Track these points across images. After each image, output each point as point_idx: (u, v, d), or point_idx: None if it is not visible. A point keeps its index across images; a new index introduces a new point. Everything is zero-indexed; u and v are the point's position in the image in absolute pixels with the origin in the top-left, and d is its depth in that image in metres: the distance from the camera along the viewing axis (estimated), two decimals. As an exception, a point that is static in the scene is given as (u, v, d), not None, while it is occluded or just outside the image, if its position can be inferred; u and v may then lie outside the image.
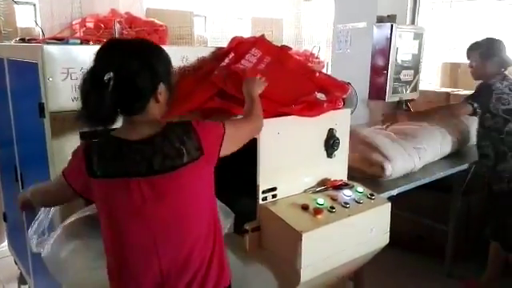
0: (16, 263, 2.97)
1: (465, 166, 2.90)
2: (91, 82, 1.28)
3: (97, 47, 1.38)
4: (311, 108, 1.90)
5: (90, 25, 2.55)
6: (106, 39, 2.35)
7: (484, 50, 2.76)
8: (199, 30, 4.89)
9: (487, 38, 2.83)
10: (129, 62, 1.28)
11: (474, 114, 2.73)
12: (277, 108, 1.82)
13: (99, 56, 1.32)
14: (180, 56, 1.98)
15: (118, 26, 2.14)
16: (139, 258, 1.34)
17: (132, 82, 1.28)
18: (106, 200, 1.33)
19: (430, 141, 2.78)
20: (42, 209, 1.72)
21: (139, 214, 1.31)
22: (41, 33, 2.43)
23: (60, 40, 1.97)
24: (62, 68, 1.68)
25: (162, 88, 1.34)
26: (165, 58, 1.39)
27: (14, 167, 2.43)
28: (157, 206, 1.31)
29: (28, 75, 1.83)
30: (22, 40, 2.28)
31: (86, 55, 1.73)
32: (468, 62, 2.87)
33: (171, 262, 1.34)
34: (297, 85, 1.96)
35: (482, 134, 2.80)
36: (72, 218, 1.61)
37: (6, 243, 3.23)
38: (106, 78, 1.24)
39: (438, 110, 2.96)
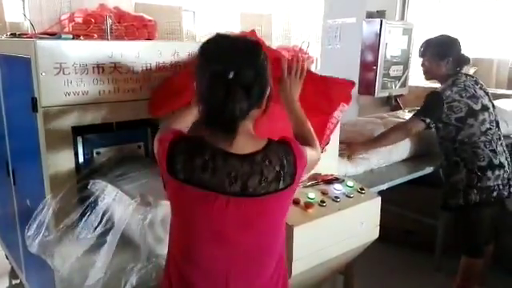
0: (7, 258, 2.97)
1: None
2: (216, 81, 1.14)
3: (89, 42, 1.37)
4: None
5: (79, 19, 2.54)
6: (95, 34, 2.36)
7: (437, 50, 2.62)
8: (188, 25, 4.87)
9: (441, 36, 2.69)
10: (247, 62, 1.16)
11: (428, 128, 2.57)
12: None
13: (217, 55, 1.18)
14: (171, 51, 1.99)
15: (109, 20, 2.13)
16: (205, 282, 1.22)
17: (249, 83, 1.15)
18: (182, 207, 1.21)
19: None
20: (40, 207, 1.71)
21: (218, 236, 1.19)
22: (30, 27, 2.41)
23: (52, 35, 1.97)
24: (55, 63, 1.69)
25: (267, 97, 1.22)
26: (267, 64, 1.23)
27: (5, 163, 2.43)
28: (240, 232, 1.19)
29: (20, 70, 1.83)
30: (13, 35, 2.27)
31: (78, 50, 1.74)
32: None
33: None
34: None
35: (438, 143, 2.67)
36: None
37: (-4, 238, 3.22)
38: (230, 76, 1.11)
39: (389, 133, 2.68)
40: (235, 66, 1.13)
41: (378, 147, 2.66)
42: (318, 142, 1.47)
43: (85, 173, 1.84)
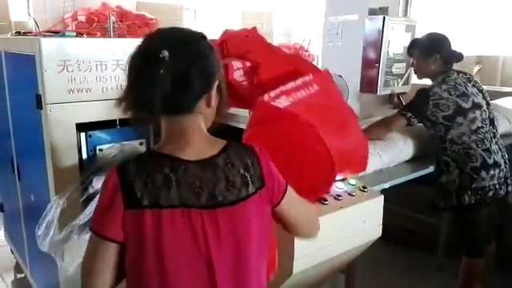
0: (12, 252, 3.01)
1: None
2: (144, 57, 1.04)
3: (92, 40, 1.38)
4: None
5: (82, 18, 2.56)
6: (98, 32, 2.38)
7: (424, 48, 2.59)
8: (189, 24, 4.90)
9: (428, 34, 2.66)
10: (186, 47, 1.06)
11: (409, 124, 2.50)
12: None
13: (153, 37, 1.09)
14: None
15: (112, 18, 2.15)
16: None
17: (186, 69, 1.02)
18: (149, 237, 1.01)
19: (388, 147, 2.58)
20: (48, 206, 1.72)
21: (199, 259, 1.04)
22: (35, 26, 2.44)
23: (56, 33, 1.99)
24: (59, 60, 1.71)
25: (214, 90, 1.10)
26: (219, 60, 1.13)
27: (10, 159, 2.45)
28: (220, 248, 1.05)
29: (25, 67, 1.86)
30: (18, 33, 2.30)
31: (81, 48, 1.77)
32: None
33: None
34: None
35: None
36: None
37: (2, 233, 3.25)
38: (161, 55, 0.99)
39: (370, 128, 2.61)
40: (170, 47, 1.01)
41: None
42: (315, 226, 1.41)
43: (89, 170, 1.86)
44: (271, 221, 1.20)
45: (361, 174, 2.34)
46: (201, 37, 1.11)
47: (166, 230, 1.01)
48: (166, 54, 0.99)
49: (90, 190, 1.74)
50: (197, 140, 1.08)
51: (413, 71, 2.74)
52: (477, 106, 2.45)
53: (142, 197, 1.00)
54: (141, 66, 1.04)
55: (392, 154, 2.59)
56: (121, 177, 1.02)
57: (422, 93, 2.50)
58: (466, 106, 2.42)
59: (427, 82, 2.79)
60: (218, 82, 1.11)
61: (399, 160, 2.65)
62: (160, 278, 1.03)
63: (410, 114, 2.49)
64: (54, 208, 1.72)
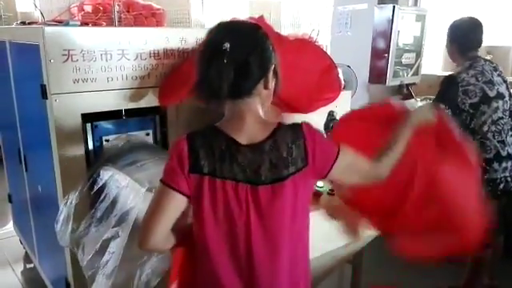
0: (21, 243, 3.03)
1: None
2: (209, 50, 1.18)
3: (96, 29, 1.37)
4: (310, 106, 1.90)
5: (88, 8, 2.54)
6: (104, 23, 2.37)
7: (453, 32, 2.53)
8: (197, 14, 4.87)
9: (461, 18, 2.57)
10: (244, 37, 1.19)
11: None
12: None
13: (215, 30, 1.21)
14: (178, 38, 1.98)
15: (117, 7, 2.13)
16: (223, 272, 1.20)
17: (246, 57, 1.15)
18: (205, 200, 1.17)
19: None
20: (63, 203, 1.73)
21: (241, 224, 1.18)
22: (41, 16, 2.43)
23: (60, 22, 1.98)
24: (63, 50, 1.70)
25: (271, 74, 1.22)
26: (273, 46, 1.24)
27: (17, 150, 2.46)
28: (260, 220, 1.18)
29: (30, 57, 1.85)
30: (23, 23, 2.29)
31: (86, 37, 1.75)
32: None
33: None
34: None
35: None
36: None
37: (11, 223, 3.28)
38: (223, 47, 1.13)
39: None
40: (231, 39, 1.14)
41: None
42: (385, 167, 1.37)
43: (97, 162, 1.87)
44: (311, 196, 1.30)
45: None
46: (257, 27, 1.24)
47: (219, 196, 1.16)
48: (227, 45, 1.13)
49: (100, 183, 1.73)
50: (252, 123, 1.21)
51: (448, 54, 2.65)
52: (500, 95, 2.42)
53: (204, 164, 1.16)
54: (208, 58, 1.17)
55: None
56: (190, 143, 1.17)
57: (450, 81, 2.45)
58: (491, 94, 2.39)
59: (436, 72, 2.76)
60: (273, 66, 1.22)
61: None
62: (211, 235, 1.18)
63: (442, 106, 2.43)
64: (69, 203, 1.72)
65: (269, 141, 1.20)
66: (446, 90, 2.48)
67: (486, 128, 2.38)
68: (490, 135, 2.38)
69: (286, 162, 1.19)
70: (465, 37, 2.50)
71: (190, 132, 1.21)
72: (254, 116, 1.22)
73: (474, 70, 2.40)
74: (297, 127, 1.24)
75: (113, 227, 1.61)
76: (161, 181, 1.20)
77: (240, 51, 1.15)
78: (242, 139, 1.19)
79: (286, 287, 1.25)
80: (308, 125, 1.26)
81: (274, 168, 1.18)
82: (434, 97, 3.68)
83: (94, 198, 1.71)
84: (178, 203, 1.19)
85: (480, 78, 2.38)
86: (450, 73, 2.59)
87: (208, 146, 1.17)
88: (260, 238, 1.19)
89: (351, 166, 1.31)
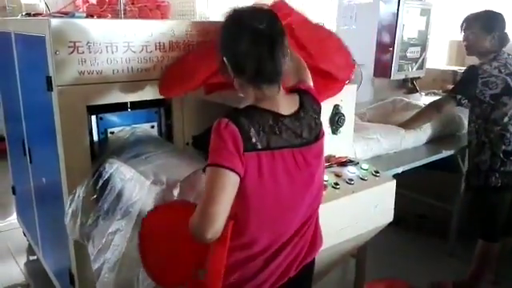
0: (25, 235, 3.04)
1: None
2: (258, 35, 1.23)
3: (102, 21, 1.36)
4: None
5: (93, 0, 2.53)
6: (109, 15, 2.36)
7: (485, 24, 2.49)
8: (201, 7, 4.84)
9: (487, 11, 2.56)
10: (275, 18, 1.29)
11: (460, 105, 2.53)
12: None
13: (247, 15, 1.28)
14: (184, 30, 1.97)
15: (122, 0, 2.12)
16: (283, 214, 1.35)
17: (283, 38, 1.28)
18: (265, 173, 1.25)
19: (385, 132, 2.58)
20: (71, 197, 1.72)
21: (295, 180, 1.32)
22: (46, 8, 2.42)
23: (65, 14, 1.97)
24: (69, 41, 1.69)
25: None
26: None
27: (22, 141, 2.46)
28: (309, 176, 1.36)
29: (35, 49, 1.84)
30: (28, 15, 2.28)
31: (91, 29, 1.74)
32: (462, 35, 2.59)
33: (300, 221, 1.40)
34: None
35: (470, 121, 2.59)
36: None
37: (15, 215, 3.29)
38: (261, 26, 1.23)
39: (421, 114, 2.73)
40: (268, 22, 1.25)
41: (412, 129, 2.70)
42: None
43: (102, 155, 1.87)
44: None
45: (368, 158, 2.32)
46: (273, 13, 1.33)
47: (279, 166, 1.27)
48: (269, 29, 1.25)
49: (105, 176, 1.73)
50: (282, 98, 1.33)
51: (464, 47, 2.62)
52: None
53: (257, 142, 1.23)
54: (256, 46, 1.24)
55: (392, 140, 2.57)
56: (237, 125, 1.21)
57: (471, 71, 2.47)
58: None
59: (441, 66, 2.73)
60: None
61: (401, 147, 2.63)
62: (275, 205, 1.31)
63: (459, 96, 2.50)
64: (77, 197, 1.72)
65: (301, 109, 1.36)
66: (465, 80, 2.51)
67: (506, 119, 2.41)
68: (510, 127, 2.41)
69: (316, 121, 1.39)
70: (504, 28, 2.50)
71: (229, 114, 1.24)
72: (281, 92, 1.34)
73: (498, 62, 2.42)
74: (309, 93, 1.43)
75: (118, 220, 1.61)
76: (212, 165, 1.20)
77: (278, 30, 1.27)
78: (284, 111, 1.31)
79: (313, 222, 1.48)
80: (311, 88, 1.48)
81: (312, 129, 1.36)
82: (438, 91, 3.71)
83: (100, 190, 1.71)
84: (235, 183, 1.21)
85: (503, 70, 2.40)
86: (453, 69, 2.59)
87: (256, 124, 1.24)
88: (312, 191, 1.38)
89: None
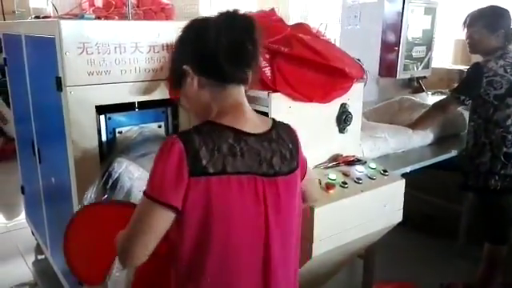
0: (33, 234, 3.06)
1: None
2: (225, 21, 1.11)
3: (111, 22, 1.36)
4: (325, 95, 1.90)
5: (99, 3, 2.55)
6: (116, 17, 2.38)
7: (490, 22, 2.40)
8: (205, 9, 4.87)
9: (492, 7, 2.46)
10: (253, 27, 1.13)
11: (463, 105, 2.47)
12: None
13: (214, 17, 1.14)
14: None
15: (131, 1, 2.13)
16: (245, 273, 1.14)
17: (257, 32, 1.12)
18: (216, 202, 1.05)
19: (393, 131, 2.56)
20: (85, 196, 1.70)
21: (260, 226, 1.11)
22: (54, 10, 2.44)
23: (75, 16, 1.99)
24: (78, 43, 1.71)
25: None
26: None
27: (31, 142, 2.48)
28: (277, 217, 1.13)
29: (45, 50, 1.86)
30: (37, 17, 2.31)
31: (100, 30, 1.76)
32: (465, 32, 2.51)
33: (279, 280, 1.17)
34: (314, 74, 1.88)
35: (470, 120, 2.53)
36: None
37: (23, 215, 3.31)
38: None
39: (426, 115, 2.67)
40: (241, 19, 1.13)
41: (419, 130, 2.66)
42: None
43: (111, 154, 1.88)
44: None
45: (375, 157, 2.32)
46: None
47: (235, 195, 1.06)
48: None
49: (114, 176, 1.74)
50: (250, 113, 1.16)
51: (467, 45, 2.56)
52: None
53: (208, 164, 1.03)
54: (230, 37, 1.10)
55: (400, 139, 2.56)
56: (185, 144, 1.03)
57: (476, 70, 2.39)
58: None
59: (447, 66, 2.72)
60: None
61: (409, 146, 2.62)
62: (224, 245, 1.08)
63: (463, 97, 2.43)
64: (89, 198, 1.72)
65: (273, 131, 1.17)
66: (469, 80, 2.44)
67: (509, 122, 2.34)
68: None
69: (292, 153, 1.19)
70: (510, 25, 2.43)
71: (180, 132, 1.12)
72: (248, 106, 1.17)
73: (504, 61, 2.33)
74: (288, 126, 1.25)
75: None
76: (146, 194, 1.05)
77: (255, 30, 1.12)
78: (249, 129, 1.12)
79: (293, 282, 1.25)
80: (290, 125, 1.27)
81: (285, 159, 1.16)
82: (445, 90, 3.69)
83: (110, 190, 1.72)
84: (168, 220, 1.06)
85: (509, 70, 2.32)
86: (460, 68, 2.56)
87: (211, 142, 1.05)
88: (277, 235, 1.14)
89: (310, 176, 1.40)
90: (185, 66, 1.14)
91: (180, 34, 1.19)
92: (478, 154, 2.44)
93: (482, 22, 2.43)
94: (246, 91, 1.19)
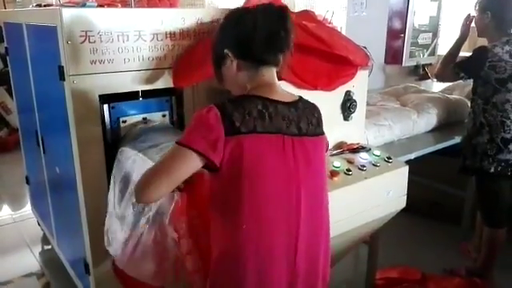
0: (39, 224, 3.08)
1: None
2: (261, 12, 1.27)
3: (113, 10, 1.37)
4: (330, 83, 1.89)
5: (101, -9, 2.54)
6: (119, 4, 2.36)
7: (497, 7, 2.43)
8: (210, -3, 4.83)
9: None
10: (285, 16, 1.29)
11: (460, 79, 2.55)
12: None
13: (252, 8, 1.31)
14: (194, 18, 1.97)
15: (134, -11, 2.11)
16: (278, 225, 1.24)
17: (290, 19, 1.29)
18: (249, 157, 1.19)
19: (397, 118, 2.59)
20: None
21: (290, 178, 1.25)
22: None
23: (76, 4, 1.97)
24: (81, 31, 1.69)
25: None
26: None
27: (35, 132, 2.48)
28: (306, 172, 1.27)
29: (47, 39, 1.85)
30: (39, 6, 2.29)
31: (103, 18, 1.74)
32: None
33: (305, 236, 1.28)
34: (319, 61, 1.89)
35: (471, 100, 2.56)
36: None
37: (29, 205, 3.33)
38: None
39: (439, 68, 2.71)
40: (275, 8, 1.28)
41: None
42: None
43: (114, 142, 1.88)
44: None
45: (380, 145, 2.31)
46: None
47: (263, 150, 1.21)
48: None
49: (128, 163, 1.72)
50: (280, 89, 1.32)
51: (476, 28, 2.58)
52: None
53: (241, 126, 1.18)
54: (268, 25, 1.27)
55: (404, 125, 2.56)
56: (220, 109, 1.19)
57: (480, 53, 2.41)
58: None
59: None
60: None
61: (413, 132, 2.62)
62: (257, 192, 1.21)
63: (462, 74, 2.47)
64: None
65: (300, 102, 1.32)
66: (472, 60, 2.45)
67: (508, 106, 2.36)
68: (511, 115, 2.36)
69: (318, 121, 1.35)
70: (507, 11, 2.43)
71: (214, 105, 1.23)
72: (278, 85, 1.33)
73: (510, 47, 2.35)
74: (313, 103, 1.39)
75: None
76: (177, 143, 1.20)
77: (289, 16, 1.27)
78: (278, 99, 1.27)
79: (324, 244, 1.36)
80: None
81: (311, 124, 1.31)
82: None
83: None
84: (195, 166, 1.20)
85: None
86: (465, 55, 2.55)
87: (242, 108, 1.20)
88: (308, 186, 1.27)
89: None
90: (225, 50, 1.29)
91: (222, 20, 1.36)
92: (476, 134, 2.48)
93: (489, 8, 2.44)
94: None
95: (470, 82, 2.55)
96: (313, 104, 1.39)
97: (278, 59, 1.30)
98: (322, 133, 1.36)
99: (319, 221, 1.34)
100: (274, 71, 1.32)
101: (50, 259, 2.86)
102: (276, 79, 1.32)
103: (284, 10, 1.28)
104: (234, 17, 1.32)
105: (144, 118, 1.99)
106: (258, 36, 1.24)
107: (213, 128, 1.18)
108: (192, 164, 1.19)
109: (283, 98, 1.29)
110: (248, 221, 1.21)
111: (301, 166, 1.25)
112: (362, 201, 1.87)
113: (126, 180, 1.66)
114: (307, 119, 1.30)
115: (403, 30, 3.29)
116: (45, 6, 2.28)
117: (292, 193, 1.25)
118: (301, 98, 1.36)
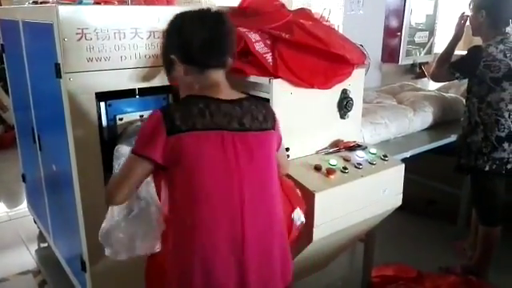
0: (35, 222, 3.08)
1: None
2: (196, 17, 1.35)
3: (110, 7, 1.39)
4: (326, 81, 1.89)
5: (99, -12, 2.53)
6: (116, 1, 2.35)
7: (491, 7, 2.41)
8: (207, -7, 4.83)
9: None
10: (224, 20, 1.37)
11: (457, 79, 2.56)
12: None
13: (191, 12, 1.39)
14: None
15: (131, -13, 2.10)
16: (220, 218, 1.29)
17: (228, 23, 1.36)
18: (189, 153, 1.26)
19: (393, 116, 2.59)
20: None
21: (231, 172, 1.29)
22: (52, -5, 2.41)
23: (73, 1, 1.96)
24: (77, 28, 1.70)
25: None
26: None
27: (31, 129, 2.48)
28: (249, 166, 1.31)
29: (43, 36, 1.84)
30: (35, 3, 2.28)
31: (99, 16, 1.74)
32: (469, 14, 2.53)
33: (253, 228, 1.32)
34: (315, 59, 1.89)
35: (466, 99, 2.56)
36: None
37: (25, 203, 3.33)
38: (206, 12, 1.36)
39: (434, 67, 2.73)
40: (213, 15, 1.36)
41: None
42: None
43: (111, 140, 1.87)
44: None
45: (376, 143, 2.32)
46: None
47: (203, 147, 1.27)
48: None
49: (123, 159, 1.73)
50: (225, 87, 1.37)
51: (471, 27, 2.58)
52: None
53: (181, 124, 1.25)
54: (210, 30, 1.34)
55: (400, 124, 2.56)
56: (163, 112, 1.28)
57: (475, 53, 2.41)
58: None
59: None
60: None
61: (410, 130, 2.62)
62: (199, 189, 1.27)
63: (457, 74, 2.48)
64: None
65: (248, 100, 1.38)
66: (467, 59, 2.45)
67: (502, 105, 2.36)
68: (506, 114, 2.37)
69: (265, 117, 1.38)
70: (502, 10, 2.43)
71: (161, 108, 1.33)
72: (225, 84, 1.38)
73: (505, 46, 2.35)
74: (267, 103, 1.49)
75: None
76: (131, 151, 1.32)
77: (226, 21, 1.35)
78: (221, 96, 1.33)
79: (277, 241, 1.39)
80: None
81: (257, 120, 1.35)
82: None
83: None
84: (146, 169, 1.31)
85: (508, 55, 2.34)
86: (462, 54, 2.55)
87: (183, 108, 1.28)
88: (252, 181, 1.31)
89: (283, 154, 1.58)
90: (172, 56, 1.36)
91: (166, 27, 1.40)
92: (471, 132, 2.48)
93: (484, 6, 2.43)
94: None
95: (466, 80, 2.55)
96: (263, 102, 1.46)
97: (221, 62, 1.36)
98: (269, 128, 1.39)
99: (269, 213, 1.38)
100: (220, 72, 1.37)
101: (46, 257, 2.86)
102: (224, 79, 1.38)
103: (220, 14, 1.35)
104: (174, 23, 1.37)
105: (141, 116, 1.99)
106: (195, 43, 1.31)
107: (153, 132, 1.26)
108: (143, 167, 1.30)
109: (229, 96, 1.35)
110: (191, 215, 1.28)
111: (242, 160, 1.30)
112: (358, 199, 1.88)
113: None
114: (252, 115, 1.35)
115: (400, 29, 3.30)
116: (41, 3, 2.27)
117: (233, 186, 1.29)
118: (249, 96, 1.42)
